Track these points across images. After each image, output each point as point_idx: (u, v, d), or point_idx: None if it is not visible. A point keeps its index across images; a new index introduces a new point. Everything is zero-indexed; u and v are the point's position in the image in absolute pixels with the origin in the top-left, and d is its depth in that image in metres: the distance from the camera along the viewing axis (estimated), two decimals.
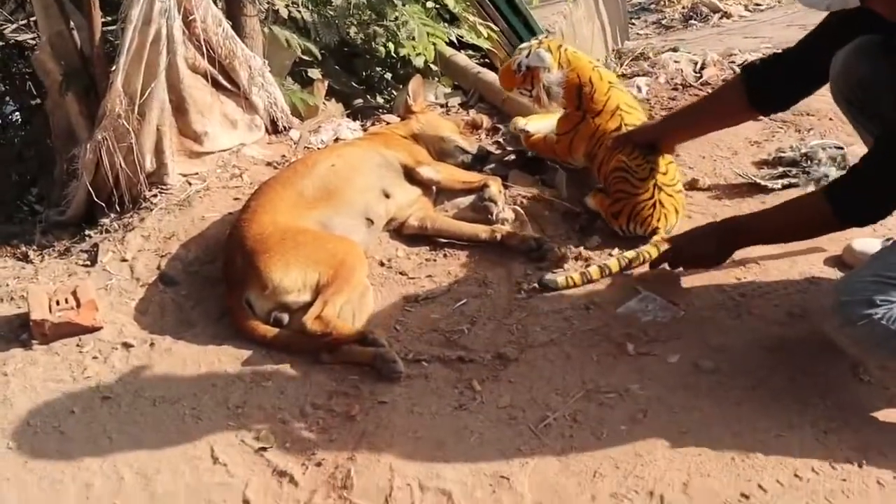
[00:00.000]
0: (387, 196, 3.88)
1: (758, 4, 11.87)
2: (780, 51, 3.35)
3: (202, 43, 4.24)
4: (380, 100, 5.71)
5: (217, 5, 4.39)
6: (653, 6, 12.54)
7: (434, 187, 4.09)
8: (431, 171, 4.04)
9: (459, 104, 5.31)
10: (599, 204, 3.85)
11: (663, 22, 11.86)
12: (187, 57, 4.23)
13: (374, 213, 3.81)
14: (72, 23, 4.26)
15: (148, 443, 2.92)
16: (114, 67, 4.02)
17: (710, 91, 4.99)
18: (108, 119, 4.03)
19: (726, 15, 11.41)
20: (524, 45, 4.20)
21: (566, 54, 4.04)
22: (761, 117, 4.44)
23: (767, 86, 3.29)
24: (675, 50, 7.70)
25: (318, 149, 4.55)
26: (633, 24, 11.79)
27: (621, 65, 6.83)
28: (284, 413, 3.01)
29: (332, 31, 5.09)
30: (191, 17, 4.15)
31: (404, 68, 5.64)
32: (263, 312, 3.40)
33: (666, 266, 3.44)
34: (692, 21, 11.48)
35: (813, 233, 3.17)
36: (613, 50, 8.80)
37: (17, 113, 5.58)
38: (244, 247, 3.46)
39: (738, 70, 5.42)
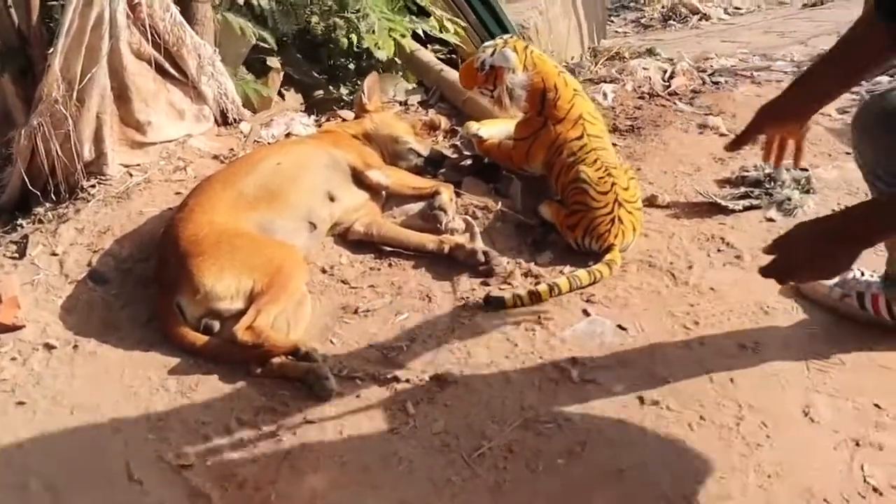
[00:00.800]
0: (332, 199, 3.76)
1: (737, 8, 11.88)
2: None
3: (148, 28, 4.10)
4: (343, 91, 5.58)
5: None
6: (632, 4, 12.53)
7: (383, 192, 3.97)
8: (380, 174, 3.93)
9: (419, 102, 5.20)
10: (555, 215, 3.76)
11: (642, 21, 11.83)
12: (131, 42, 4.08)
13: (317, 217, 3.69)
14: (8, 1, 4.10)
15: (61, 453, 2.80)
16: (52, 49, 3.87)
17: (678, 101, 4.91)
18: (45, 104, 3.88)
19: (705, 17, 11.40)
20: (489, 43, 4.09)
21: (532, 56, 3.94)
22: (728, 132, 4.38)
23: None
24: (651, 51, 7.68)
25: (265, 145, 4.43)
26: (612, 21, 11.76)
27: (596, 63, 6.77)
28: (208, 428, 2.88)
29: (290, 19, 4.97)
30: (136, 1, 4.01)
31: (368, 60, 5.52)
32: (194, 318, 3.27)
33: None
34: (671, 21, 11.46)
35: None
36: (589, 48, 8.74)
37: None
38: (177, 248, 3.33)
39: (709, 81, 5.37)
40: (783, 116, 2.75)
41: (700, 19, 11.34)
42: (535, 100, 3.90)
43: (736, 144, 2.78)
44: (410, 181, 4.00)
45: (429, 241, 3.72)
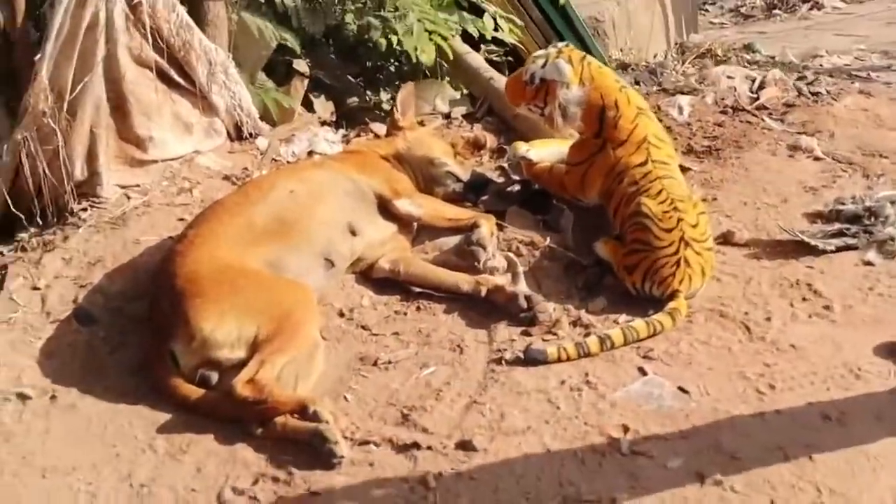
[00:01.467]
0: (354, 233, 3.80)
1: None
2: None
3: (150, 31, 4.17)
4: (383, 96, 5.63)
5: None
6: None
7: (414, 224, 3.99)
8: (411, 204, 3.96)
9: (464, 115, 5.22)
10: (612, 253, 3.76)
11: (742, 10, 11.74)
12: (131, 47, 4.16)
13: (336, 253, 3.73)
14: None
15: None
16: (39, 55, 3.94)
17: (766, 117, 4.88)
18: (31, 116, 3.97)
19: (817, 5, 11.26)
20: (540, 52, 4.12)
21: (589, 69, 3.96)
22: (824, 156, 4.33)
23: None
24: (749, 47, 7.64)
25: (281, 166, 4.47)
26: (707, 10, 11.69)
27: (683, 62, 6.75)
28: (198, 497, 2.91)
29: (318, 18, 5.01)
30: (136, 0, 4.07)
31: (412, 63, 5.55)
32: (189, 368, 3.30)
33: None
34: (776, 10, 11.35)
35: None
36: (676, 44, 8.70)
37: None
38: (173, 287, 3.37)
39: (806, 93, 5.32)
40: None
41: (811, 8, 11.21)
42: (592, 119, 3.90)
43: None
44: (446, 211, 4.03)
45: (464, 281, 3.74)
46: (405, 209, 3.94)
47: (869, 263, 3.82)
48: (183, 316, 3.28)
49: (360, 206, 3.87)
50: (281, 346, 3.25)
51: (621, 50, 7.36)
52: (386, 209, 3.93)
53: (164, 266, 3.53)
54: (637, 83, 5.80)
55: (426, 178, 4.22)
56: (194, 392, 3.25)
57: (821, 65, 6.85)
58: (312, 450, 3.02)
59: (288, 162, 4.58)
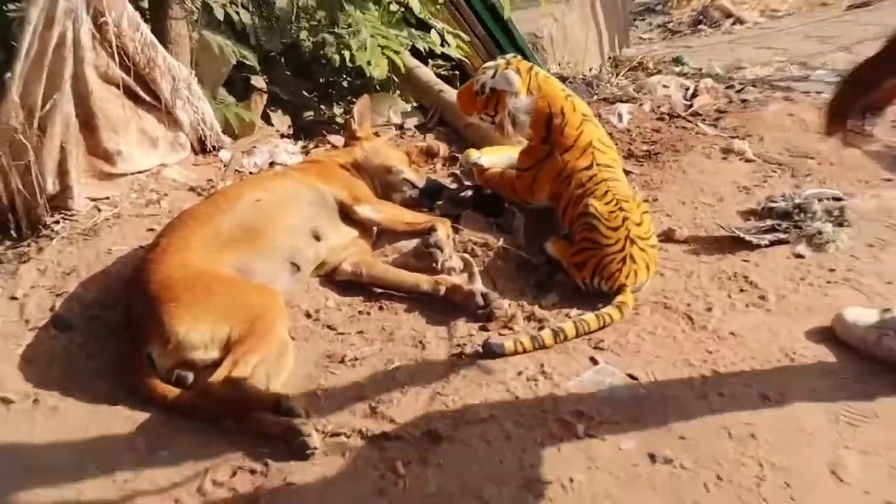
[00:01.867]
0: (318, 238, 3.84)
1: (775, 11, 11.92)
2: None
3: (116, 49, 4.18)
4: (336, 110, 5.67)
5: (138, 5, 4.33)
6: (659, 7, 12.61)
7: (374, 229, 4.04)
8: (371, 210, 4.01)
9: (416, 126, 5.27)
10: (561, 252, 3.82)
11: (669, 26, 11.92)
12: (98, 65, 4.16)
13: (301, 258, 3.77)
14: None
15: None
16: (9, 74, 3.94)
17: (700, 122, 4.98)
18: (3, 133, 3.96)
19: (739, 21, 11.48)
20: (489, 64, 4.17)
21: (537, 79, 4.03)
22: (755, 158, 4.42)
23: None
24: (678, 60, 7.76)
25: (246, 177, 4.50)
26: (636, 26, 11.85)
27: (617, 74, 6.85)
28: (180, 491, 2.93)
29: (275, 36, 5.05)
30: (102, 20, 4.09)
31: (363, 78, 5.60)
32: (165, 369, 3.32)
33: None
34: (701, 26, 11.55)
35: None
36: (610, 57, 8.83)
37: None
38: (148, 293, 3.39)
39: (736, 100, 5.43)
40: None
41: (733, 24, 11.42)
42: (540, 126, 3.98)
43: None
44: (404, 216, 4.08)
45: (423, 281, 3.79)
46: (365, 215, 3.99)
47: (799, 256, 3.92)
48: (158, 320, 3.29)
49: (323, 213, 3.91)
50: (252, 346, 3.27)
51: (559, 64, 7.46)
52: (347, 215, 3.97)
53: (137, 273, 3.53)
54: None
55: (383, 185, 4.27)
56: (171, 392, 3.26)
57: (745, 76, 6.96)
58: (286, 443, 3.05)
59: (251, 173, 4.60)
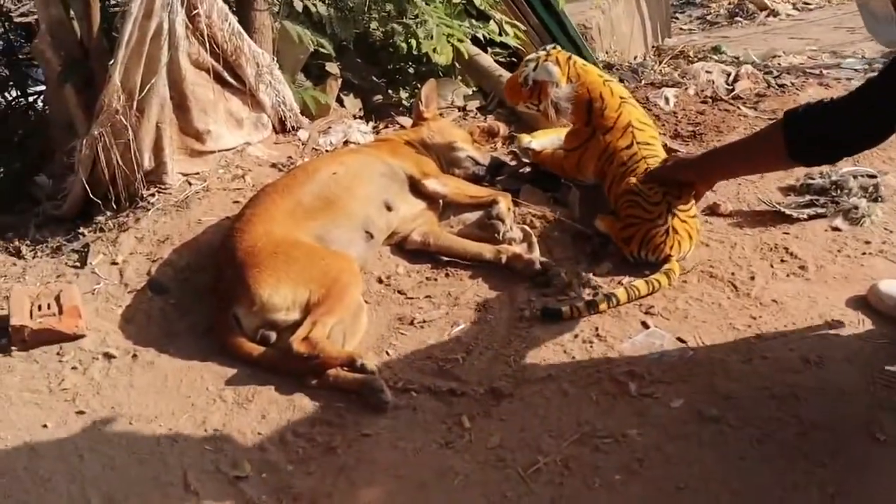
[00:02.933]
0: (389, 209, 3.78)
1: (806, 3, 11.64)
2: (829, 99, 3.04)
3: (206, 38, 4.15)
4: (403, 95, 5.60)
5: None
6: (698, 1, 12.36)
7: (440, 201, 3.98)
8: (438, 183, 3.94)
9: (478, 108, 5.20)
10: (610, 227, 3.75)
11: (708, 17, 11.69)
12: (190, 52, 4.14)
13: (374, 227, 3.72)
14: (72, 11, 4.17)
15: (120, 464, 2.85)
16: (112, 61, 3.93)
17: (742, 105, 4.86)
18: (106, 114, 3.95)
19: (773, 13, 11.20)
20: (531, 56, 4.11)
21: (575, 67, 3.95)
22: None
23: (811, 142, 3.02)
24: (716, 49, 7.60)
25: (323, 154, 4.46)
26: (677, 18, 11.64)
27: (660, 62, 6.73)
28: (264, 440, 2.92)
29: (348, 25, 4.97)
30: (195, 12, 4.06)
31: (427, 64, 5.52)
32: (250, 329, 3.31)
33: None
34: (738, 18, 11.29)
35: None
36: (653, 47, 8.68)
37: (21, 99, 5.49)
38: (235, 259, 3.38)
39: (774, 85, 5.29)
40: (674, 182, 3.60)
41: (768, 15, 11.15)
42: (581, 110, 3.91)
43: None
44: (468, 190, 4.01)
45: (486, 250, 3.74)
46: (433, 188, 3.92)
47: (836, 229, 3.81)
48: (244, 285, 3.29)
49: (394, 186, 3.85)
50: (330, 309, 3.25)
51: (606, 52, 7.33)
52: (416, 188, 3.91)
53: (226, 242, 3.52)
54: (622, 80, 5.75)
55: (448, 161, 4.19)
56: (256, 349, 3.26)
57: (779, 63, 6.79)
58: (361, 398, 3.04)
59: (327, 150, 4.55)
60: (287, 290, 3.28)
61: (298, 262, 3.36)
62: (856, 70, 6.33)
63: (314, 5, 4.84)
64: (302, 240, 3.48)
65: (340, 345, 3.25)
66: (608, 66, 6.44)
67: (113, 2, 4.33)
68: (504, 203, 3.87)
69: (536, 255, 3.71)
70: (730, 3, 11.72)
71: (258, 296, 3.27)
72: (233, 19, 4.25)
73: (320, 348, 3.13)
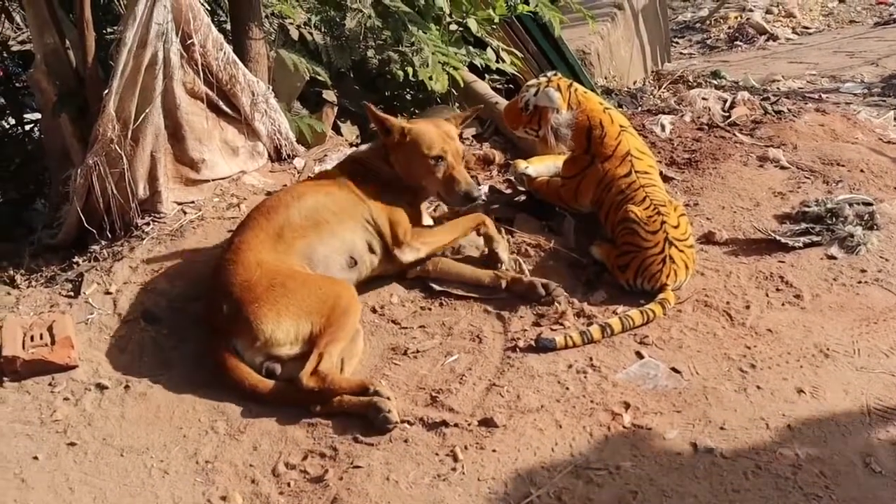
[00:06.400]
0: (372, 251, 3.74)
1: (806, 28, 11.72)
2: None
3: (201, 67, 4.16)
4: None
5: (221, 27, 4.31)
6: (698, 25, 12.42)
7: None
8: (411, 251, 3.78)
9: (473, 136, 5.20)
10: (606, 255, 3.76)
11: (708, 42, 11.75)
12: (185, 81, 4.15)
13: (358, 255, 3.67)
14: (67, 41, 4.19)
15: (111, 497, 2.85)
16: (107, 90, 3.94)
17: (738, 132, 4.88)
18: (101, 143, 3.97)
19: (773, 37, 11.27)
20: (532, 82, 4.13)
21: (576, 94, 3.97)
22: (789, 165, 4.34)
23: None
24: (716, 74, 7.64)
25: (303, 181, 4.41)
26: (677, 43, 11.70)
27: (660, 87, 6.75)
28: (255, 471, 2.92)
29: (344, 54, 5.02)
30: (189, 41, 4.07)
31: (425, 91, 5.54)
32: (254, 364, 3.28)
33: None
34: (737, 42, 11.36)
35: None
36: (653, 71, 8.73)
37: (17, 128, 5.51)
38: (231, 294, 3.34)
39: (770, 111, 5.31)
40: None
41: (767, 40, 11.22)
42: (580, 137, 3.93)
43: None
44: (445, 237, 3.87)
45: (484, 275, 3.73)
46: (408, 259, 3.78)
47: (832, 257, 3.83)
48: (245, 320, 3.27)
49: (374, 240, 3.75)
50: (333, 337, 3.26)
51: (605, 77, 7.37)
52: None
53: (218, 275, 3.48)
54: (620, 105, 5.81)
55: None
56: (262, 382, 3.24)
57: (778, 88, 6.84)
58: (368, 420, 3.05)
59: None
60: (289, 325, 3.27)
61: (297, 293, 3.33)
62: (854, 94, 6.36)
63: (310, 34, 4.88)
64: (296, 268, 3.47)
65: (339, 369, 3.25)
66: (607, 92, 6.48)
67: (108, 31, 4.33)
68: (488, 223, 3.85)
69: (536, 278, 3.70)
70: (729, 28, 11.78)
71: (261, 332, 3.25)
72: (228, 48, 4.27)
73: (330, 380, 3.13)
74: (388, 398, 3.10)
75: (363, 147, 4.43)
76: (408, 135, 3.77)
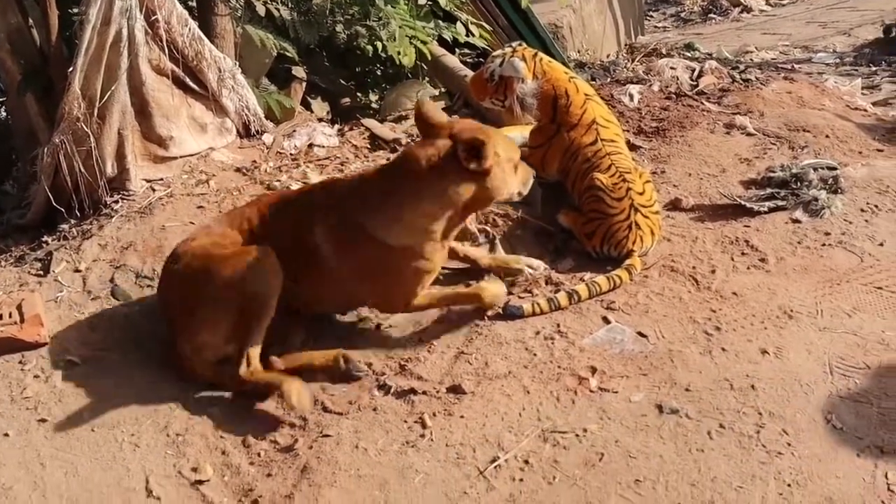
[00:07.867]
0: None
1: None
2: None
3: (166, 44, 4.14)
4: (372, 97, 5.64)
5: (186, 4, 4.30)
6: None
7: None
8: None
9: (443, 109, 5.20)
10: (573, 223, 3.79)
11: (682, 15, 11.79)
12: (151, 58, 4.14)
13: None
14: (30, 20, 4.17)
15: (82, 471, 2.87)
16: (71, 68, 3.93)
17: (705, 101, 4.90)
18: (67, 122, 3.96)
19: (746, 9, 11.32)
20: (497, 52, 4.16)
21: (541, 64, 3.99)
22: (755, 132, 4.37)
23: None
24: (689, 46, 7.66)
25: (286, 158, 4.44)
26: (652, 16, 11.74)
27: (633, 60, 6.77)
28: (226, 443, 2.95)
29: (312, 29, 4.99)
30: (154, 17, 4.06)
31: (395, 66, 5.55)
32: (202, 364, 3.22)
33: None
34: (711, 14, 11.41)
35: None
36: (626, 45, 8.73)
37: None
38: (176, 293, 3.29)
39: (739, 79, 5.34)
40: None
41: (741, 11, 11.27)
42: (546, 107, 3.95)
43: None
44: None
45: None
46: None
47: (797, 221, 3.87)
48: (182, 326, 3.22)
49: None
50: (248, 330, 3.13)
51: (578, 51, 7.38)
52: None
53: (168, 267, 3.38)
54: (593, 79, 5.82)
55: None
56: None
57: (751, 59, 6.87)
58: (337, 371, 3.15)
59: (291, 154, 4.56)
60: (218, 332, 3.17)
61: (220, 301, 3.17)
62: (827, 64, 6.39)
63: (277, 9, 4.86)
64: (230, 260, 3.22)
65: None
66: (580, 65, 6.49)
67: (72, 9, 4.31)
68: (486, 259, 3.70)
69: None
70: (703, 0, 11.81)
71: (194, 339, 3.18)
72: (193, 24, 4.25)
73: (260, 376, 3.09)
74: (362, 369, 3.16)
75: None
76: None
